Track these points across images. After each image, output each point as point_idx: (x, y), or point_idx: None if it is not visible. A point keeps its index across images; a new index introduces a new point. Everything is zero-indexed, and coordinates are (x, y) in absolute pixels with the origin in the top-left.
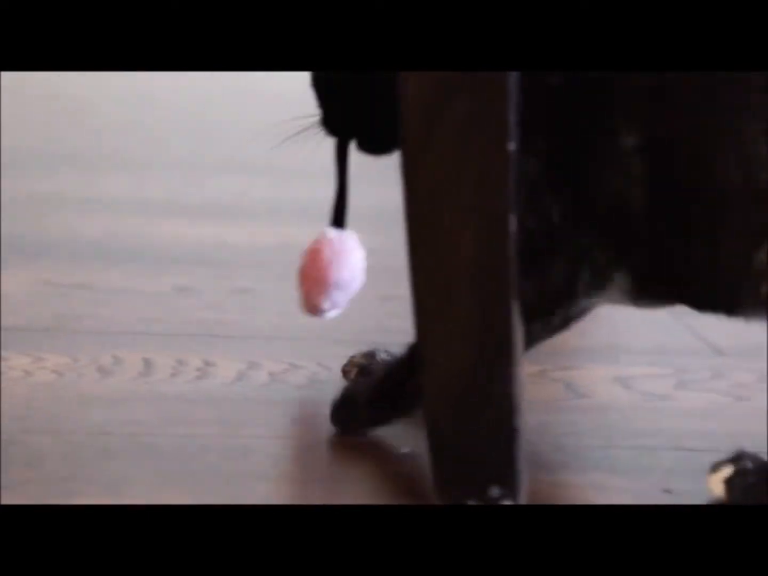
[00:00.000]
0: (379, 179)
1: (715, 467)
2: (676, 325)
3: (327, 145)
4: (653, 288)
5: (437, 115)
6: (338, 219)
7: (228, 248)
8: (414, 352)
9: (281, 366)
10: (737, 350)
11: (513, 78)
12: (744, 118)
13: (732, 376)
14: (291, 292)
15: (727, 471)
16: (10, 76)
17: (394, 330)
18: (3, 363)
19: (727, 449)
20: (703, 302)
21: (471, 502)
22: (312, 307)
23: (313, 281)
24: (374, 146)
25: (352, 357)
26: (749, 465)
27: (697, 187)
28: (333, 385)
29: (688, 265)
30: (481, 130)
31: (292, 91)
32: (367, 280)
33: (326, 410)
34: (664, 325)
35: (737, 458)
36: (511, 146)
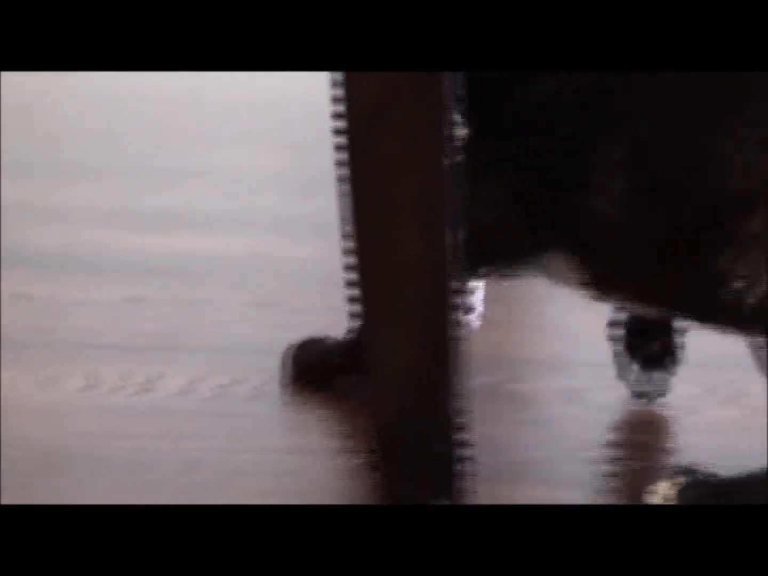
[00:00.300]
0: (325, 189)
1: (659, 480)
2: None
3: (282, 155)
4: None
5: (379, 122)
6: None
7: (182, 258)
8: None
9: (227, 378)
10: (686, 363)
11: (453, 88)
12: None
13: (680, 389)
14: (241, 304)
15: (671, 484)
16: None
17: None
18: None
19: (671, 462)
20: (678, 309)
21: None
22: None
23: None
24: None
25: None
26: (697, 478)
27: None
28: (279, 397)
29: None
30: (421, 139)
31: (253, 99)
32: (314, 290)
33: (273, 423)
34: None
35: (683, 472)
36: (450, 156)
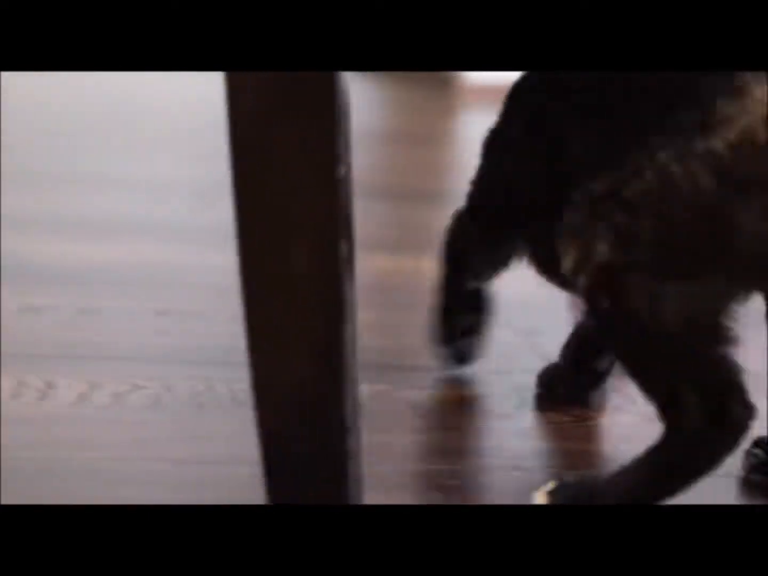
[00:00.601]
0: (229, 197)
1: (542, 485)
2: (520, 344)
3: (186, 163)
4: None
5: (269, 131)
6: None
7: (81, 266)
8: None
9: (125, 386)
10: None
11: (344, 98)
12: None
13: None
14: (141, 311)
15: (549, 485)
16: None
17: (242, 350)
18: None
19: (562, 467)
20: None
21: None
22: None
23: None
24: None
25: None
26: (570, 479)
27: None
28: (178, 405)
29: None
30: (310, 150)
31: (158, 107)
32: (214, 300)
33: (170, 431)
34: (508, 345)
35: (562, 475)
36: (341, 169)
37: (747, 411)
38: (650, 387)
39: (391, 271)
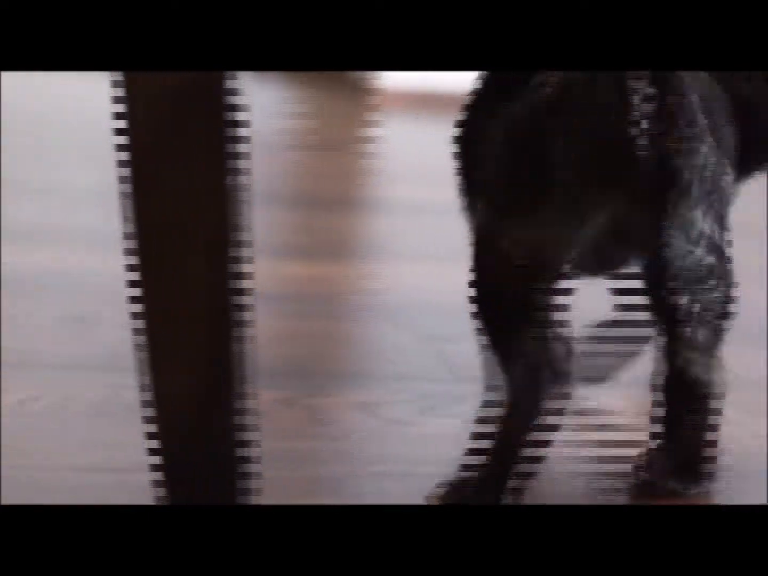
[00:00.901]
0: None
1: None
2: (424, 350)
3: (94, 170)
4: None
5: (158, 139)
6: None
7: (6, 273)
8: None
9: (24, 394)
10: (477, 378)
11: (237, 106)
12: None
13: (474, 401)
14: (48, 318)
15: (438, 488)
16: None
17: None
18: None
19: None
20: None
21: None
22: None
23: None
24: None
25: None
26: (458, 479)
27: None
28: (83, 412)
29: None
30: (199, 159)
31: (65, 112)
32: (117, 306)
33: (71, 439)
34: (412, 351)
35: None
36: (233, 178)
37: (557, 376)
38: (491, 342)
39: (304, 279)
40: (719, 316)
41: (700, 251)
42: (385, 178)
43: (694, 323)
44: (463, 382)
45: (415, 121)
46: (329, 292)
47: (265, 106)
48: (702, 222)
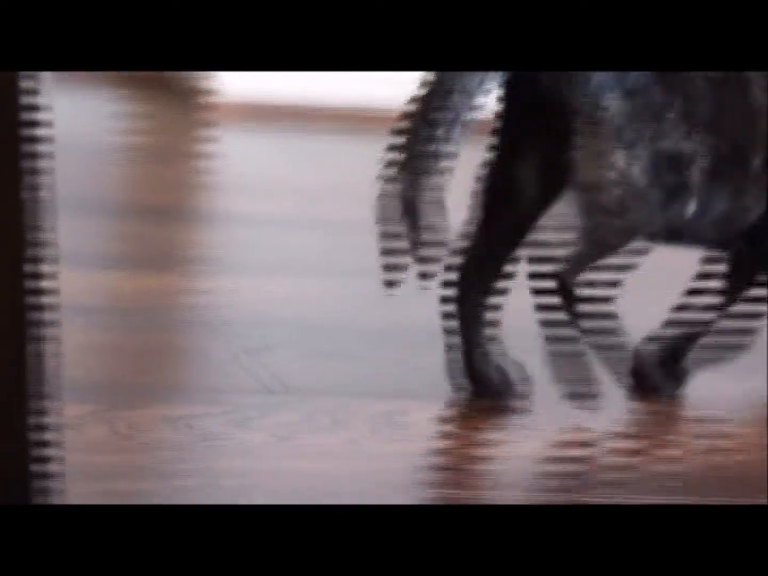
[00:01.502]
0: None
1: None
2: (239, 363)
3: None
4: None
5: None
6: None
7: None
8: None
9: None
10: (289, 390)
11: (33, 114)
12: None
13: (279, 415)
14: None
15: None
16: None
17: None
18: None
19: (264, 488)
20: None
21: None
22: None
23: None
24: None
25: None
26: None
27: None
28: None
29: None
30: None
31: None
32: None
33: None
34: (227, 364)
35: None
36: (28, 188)
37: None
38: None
39: (127, 291)
40: None
41: None
42: (217, 189)
43: None
44: (277, 394)
45: (251, 132)
46: (151, 304)
47: (98, 114)
48: None
